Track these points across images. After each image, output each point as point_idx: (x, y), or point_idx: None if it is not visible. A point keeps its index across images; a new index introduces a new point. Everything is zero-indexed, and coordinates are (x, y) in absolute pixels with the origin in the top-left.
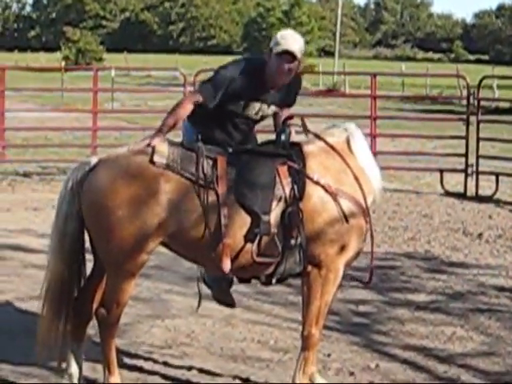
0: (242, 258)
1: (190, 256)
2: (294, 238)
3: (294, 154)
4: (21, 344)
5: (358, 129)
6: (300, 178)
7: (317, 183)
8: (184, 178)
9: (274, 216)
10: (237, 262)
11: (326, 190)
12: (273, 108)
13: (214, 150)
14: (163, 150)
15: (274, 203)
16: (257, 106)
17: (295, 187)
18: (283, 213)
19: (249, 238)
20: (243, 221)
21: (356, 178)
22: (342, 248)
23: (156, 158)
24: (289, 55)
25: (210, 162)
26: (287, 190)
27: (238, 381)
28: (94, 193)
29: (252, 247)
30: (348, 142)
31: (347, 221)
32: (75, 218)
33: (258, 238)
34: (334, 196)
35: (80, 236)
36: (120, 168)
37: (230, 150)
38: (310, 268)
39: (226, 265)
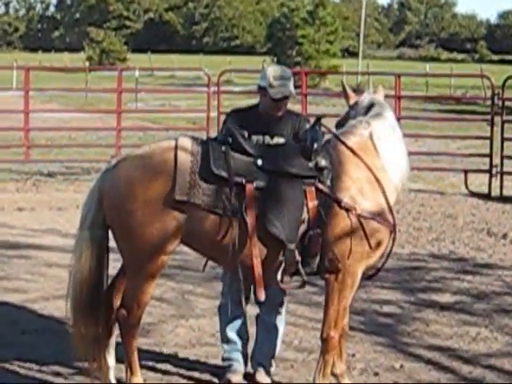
0: (266, 283)
1: (210, 258)
2: (312, 256)
3: (323, 171)
4: (46, 343)
5: (384, 118)
6: (327, 201)
7: (343, 208)
8: (211, 212)
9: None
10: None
11: (350, 212)
12: (277, 139)
13: (243, 168)
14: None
15: (299, 228)
16: (259, 139)
17: (321, 211)
18: (304, 233)
19: (274, 265)
20: (269, 248)
21: (380, 186)
22: (362, 257)
23: (177, 194)
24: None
25: (237, 190)
26: (312, 213)
27: None
28: (113, 196)
29: (277, 275)
30: (371, 137)
31: (370, 240)
32: (102, 224)
33: (283, 266)
34: (357, 217)
35: (107, 241)
36: (139, 170)
37: (260, 162)
38: (328, 274)
39: (262, 294)
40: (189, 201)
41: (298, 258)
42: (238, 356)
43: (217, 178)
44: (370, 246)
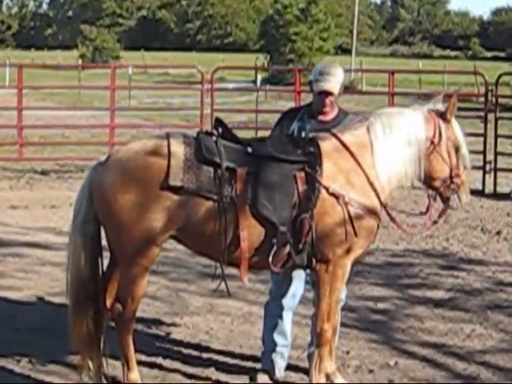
0: (258, 266)
1: (201, 250)
2: (302, 242)
3: (311, 157)
4: (40, 341)
5: (387, 116)
6: (316, 186)
7: (331, 194)
8: (202, 197)
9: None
10: (252, 267)
11: (338, 199)
12: None
13: (234, 154)
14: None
15: (290, 211)
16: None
17: (311, 195)
18: (295, 218)
19: (266, 248)
20: (261, 231)
21: (367, 178)
22: (351, 247)
23: (171, 179)
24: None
25: (229, 175)
26: (302, 197)
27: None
28: (105, 191)
29: (269, 258)
30: (369, 132)
31: (354, 224)
32: (93, 219)
33: (275, 248)
34: (345, 205)
35: (99, 236)
36: (129, 166)
37: (250, 149)
38: (318, 266)
39: (245, 277)
40: (183, 186)
41: (290, 240)
42: (277, 358)
43: (209, 164)
44: (356, 234)
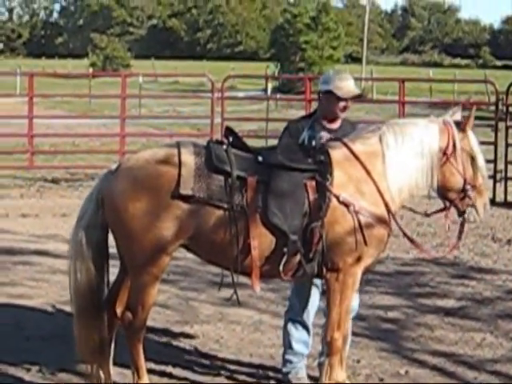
0: (268, 275)
1: (211, 259)
2: (313, 251)
3: (322, 166)
4: (51, 349)
5: (397, 124)
6: (327, 195)
7: (341, 203)
8: (213, 206)
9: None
10: (262, 276)
11: (348, 208)
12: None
13: (244, 163)
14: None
15: (301, 220)
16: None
17: (321, 204)
18: (305, 227)
19: (277, 257)
20: (271, 239)
21: (377, 187)
22: (361, 256)
23: (182, 188)
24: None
25: (240, 184)
26: (313, 206)
27: None
28: (115, 199)
29: (279, 266)
30: (380, 141)
31: (364, 233)
32: (100, 226)
33: (285, 257)
34: (355, 213)
35: (105, 243)
36: (140, 175)
37: (260, 158)
38: (328, 274)
39: (257, 285)
40: (194, 195)
41: (301, 248)
42: (302, 367)
43: (220, 173)
44: (366, 243)
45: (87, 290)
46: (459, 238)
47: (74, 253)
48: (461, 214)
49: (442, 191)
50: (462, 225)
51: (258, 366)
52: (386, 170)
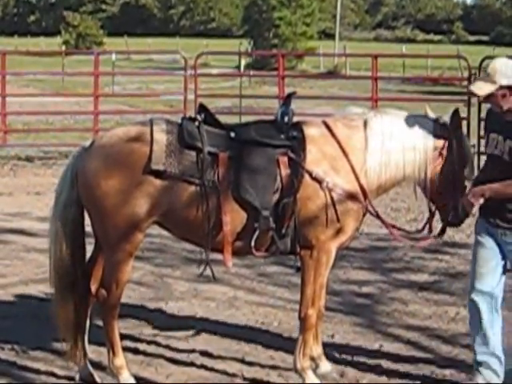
0: (241, 251)
1: (184, 235)
2: (285, 227)
3: (295, 142)
4: (26, 328)
5: (386, 114)
6: (299, 171)
7: (314, 179)
8: (185, 182)
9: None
10: (235, 252)
11: (321, 184)
12: (509, 143)
13: (216, 139)
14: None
15: (273, 196)
16: (494, 137)
17: (294, 180)
18: (277, 203)
19: (249, 233)
20: (243, 215)
21: (352, 166)
22: (334, 233)
23: (153, 164)
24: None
25: (211, 160)
26: (285, 182)
27: (241, 363)
28: (88, 176)
29: (251, 242)
30: (365, 127)
31: (337, 211)
32: (75, 203)
33: (257, 233)
34: (328, 190)
35: (81, 220)
36: (113, 152)
37: (233, 134)
38: (302, 251)
39: (229, 262)
40: (165, 170)
41: (272, 225)
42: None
43: (191, 149)
44: (339, 220)
45: (65, 268)
46: (439, 234)
47: (53, 230)
48: (444, 219)
49: (431, 191)
50: (444, 227)
51: (233, 342)
52: (366, 152)
